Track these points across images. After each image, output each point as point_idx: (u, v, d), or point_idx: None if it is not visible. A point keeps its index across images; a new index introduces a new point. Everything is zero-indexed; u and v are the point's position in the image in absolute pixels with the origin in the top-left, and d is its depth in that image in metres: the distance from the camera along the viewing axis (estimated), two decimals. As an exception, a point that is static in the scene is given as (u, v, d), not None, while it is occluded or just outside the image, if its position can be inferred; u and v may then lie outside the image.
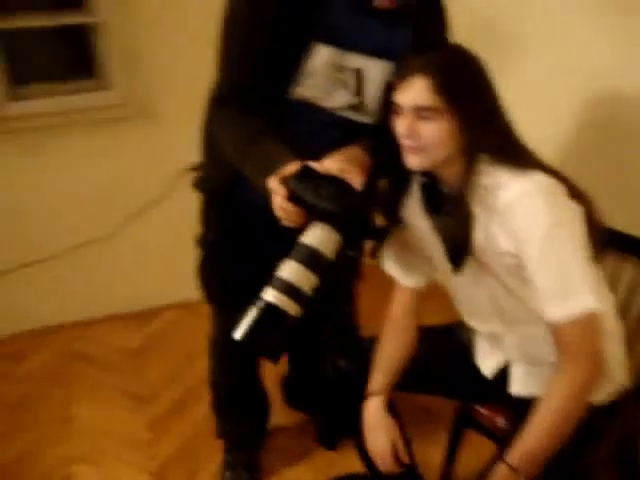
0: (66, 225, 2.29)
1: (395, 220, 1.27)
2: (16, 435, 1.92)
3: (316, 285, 0.98)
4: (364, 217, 0.96)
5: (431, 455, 1.68)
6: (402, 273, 1.37)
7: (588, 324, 1.06)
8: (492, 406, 1.40)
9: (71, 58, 2.24)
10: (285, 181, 0.99)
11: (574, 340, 1.06)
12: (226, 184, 1.35)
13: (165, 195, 2.28)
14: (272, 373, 1.96)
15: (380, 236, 0.99)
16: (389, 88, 1.13)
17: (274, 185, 1.01)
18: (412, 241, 1.31)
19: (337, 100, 1.24)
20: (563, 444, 1.08)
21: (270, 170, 1.05)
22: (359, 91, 1.24)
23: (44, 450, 1.87)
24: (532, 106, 1.77)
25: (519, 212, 1.07)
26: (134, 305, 2.46)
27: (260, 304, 0.96)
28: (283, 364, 1.95)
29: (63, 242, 2.29)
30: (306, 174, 0.97)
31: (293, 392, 1.97)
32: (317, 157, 1.08)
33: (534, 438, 1.08)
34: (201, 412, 1.87)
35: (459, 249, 1.18)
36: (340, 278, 1.63)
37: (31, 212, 2.25)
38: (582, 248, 1.08)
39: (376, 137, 1.21)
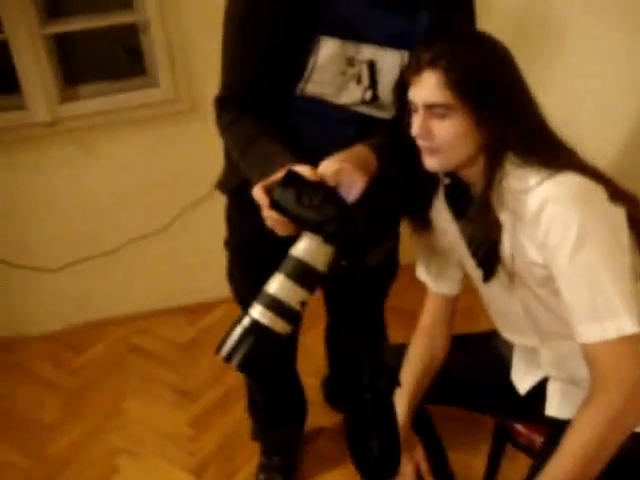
0: (122, 220, 2.34)
1: (422, 223, 1.18)
2: (69, 425, 2.00)
3: (306, 299, 0.92)
4: (354, 226, 0.88)
5: (473, 467, 1.59)
6: (432, 279, 1.28)
7: (625, 349, 0.92)
8: (530, 424, 1.28)
9: (121, 56, 2.27)
10: (270, 188, 0.93)
11: (607, 366, 0.93)
12: (242, 186, 1.30)
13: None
14: (315, 371, 1.92)
15: (379, 244, 0.91)
16: (402, 84, 1.04)
17: (257, 193, 0.95)
18: (441, 245, 1.21)
19: (350, 95, 1.16)
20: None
21: (266, 174, 1.00)
22: (373, 84, 1.16)
23: (93, 441, 1.93)
24: (580, 103, 1.61)
25: (544, 221, 0.95)
26: (190, 299, 2.49)
27: (245, 321, 0.91)
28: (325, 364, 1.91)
29: (119, 237, 2.34)
30: (291, 180, 0.91)
31: (334, 392, 1.91)
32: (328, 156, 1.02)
33: (558, 473, 0.96)
34: (243, 411, 1.86)
35: (488, 256, 1.07)
36: (377, 281, 1.55)
37: (87, 209, 2.31)
38: (620, 260, 0.94)
39: (393, 134, 1.13)
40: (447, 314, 1.29)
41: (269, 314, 0.90)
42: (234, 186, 1.35)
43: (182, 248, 2.40)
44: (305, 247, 0.91)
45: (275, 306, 0.90)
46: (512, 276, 1.04)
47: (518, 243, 1.01)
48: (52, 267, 2.32)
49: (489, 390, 1.27)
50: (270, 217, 0.94)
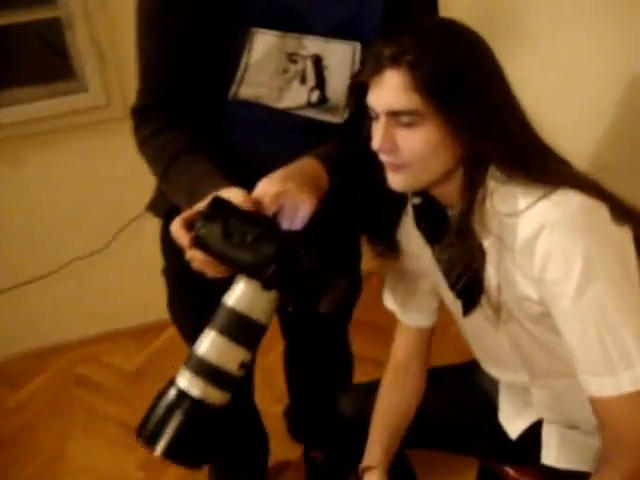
0: (60, 239, 2.12)
1: (387, 248, 1.00)
2: (5, 476, 1.77)
3: (246, 360, 0.73)
4: (299, 266, 0.70)
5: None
6: (402, 310, 1.10)
7: None
8: (522, 468, 1.11)
9: (47, 58, 2.04)
10: (191, 222, 0.75)
11: (622, 422, 0.77)
12: (177, 208, 1.11)
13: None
14: (277, 397, 1.75)
15: (333, 285, 0.73)
16: (356, 85, 0.86)
17: (176, 230, 0.76)
18: (411, 270, 1.04)
19: (293, 97, 0.98)
20: None
21: (194, 200, 0.81)
22: (321, 84, 0.97)
23: (32, 494, 1.72)
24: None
25: (541, 251, 0.78)
26: (139, 320, 2.28)
27: (170, 394, 0.72)
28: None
29: (58, 257, 2.11)
30: (217, 211, 0.72)
31: (296, 424, 1.74)
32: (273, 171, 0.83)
33: None
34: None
35: (468, 287, 0.90)
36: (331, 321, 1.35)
37: (20, 228, 2.08)
38: (632, 295, 0.78)
39: (348, 141, 0.95)
40: (423, 349, 1.12)
41: (200, 382, 0.72)
42: (167, 208, 1.15)
43: (127, 267, 2.18)
44: (240, 295, 0.73)
45: (206, 372, 0.72)
46: (498, 310, 0.88)
47: (505, 274, 0.85)
48: (-17, 293, 2.09)
49: (475, 432, 1.11)
50: (194, 258, 0.75)
